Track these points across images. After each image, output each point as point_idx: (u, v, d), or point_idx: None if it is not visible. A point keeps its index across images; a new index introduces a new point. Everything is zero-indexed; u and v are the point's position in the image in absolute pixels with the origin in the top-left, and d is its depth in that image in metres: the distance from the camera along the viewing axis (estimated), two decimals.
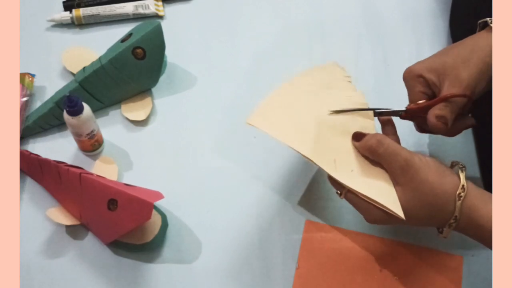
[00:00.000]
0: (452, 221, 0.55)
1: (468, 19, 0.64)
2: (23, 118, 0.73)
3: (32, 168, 0.71)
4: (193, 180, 0.72)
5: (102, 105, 0.76)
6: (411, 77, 0.61)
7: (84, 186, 0.65)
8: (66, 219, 0.66)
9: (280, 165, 0.73)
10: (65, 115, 0.66)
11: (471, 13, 0.63)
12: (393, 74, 0.78)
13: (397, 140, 0.61)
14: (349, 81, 0.70)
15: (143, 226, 0.66)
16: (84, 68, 0.75)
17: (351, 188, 0.57)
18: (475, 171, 0.73)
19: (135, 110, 0.76)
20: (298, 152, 0.57)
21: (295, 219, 0.70)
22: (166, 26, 0.75)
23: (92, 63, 0.75)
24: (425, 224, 0.58)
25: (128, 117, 0.75)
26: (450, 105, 0.58)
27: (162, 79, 0.78)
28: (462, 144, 0.75)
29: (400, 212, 0.55)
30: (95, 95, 0.74)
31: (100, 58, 0.75)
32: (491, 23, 0.59)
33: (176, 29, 0.82)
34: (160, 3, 0.84)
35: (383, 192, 0.56)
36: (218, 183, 0.72)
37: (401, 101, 0.62)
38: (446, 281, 0.66)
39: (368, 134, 0.59)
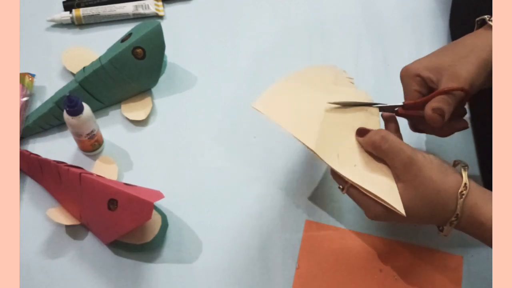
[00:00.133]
0: (453, 219, 0.55)
1: (468, 19, 0.64)
2: (23, 118, 0.73)
3: (32, 168, 0.71)
4: (193, 180, 0.72)
5: (102, 105, 0.76)
6: (408, 76, 0.61)
7: (84, 186, 0.65)
8: (66, 219, 0.66)
9: (280, 165, 0.73)
10: (65, 115, 0.66)
11: (471, 13, 0.63)
12: (393, 74, 0.77)
13: (400, 138, 0.61)
14: (352, 82, 0.70)
15: (143, 226, 0.66)
16: (84, 68, 0.75)
17: (353, 182, 0.57)
18: (475, 171, 0.73)
19: (135, 110, 0.76)
20: (302, 143, 0.57)
21: (295, 219, 0.70)
22: (166, 26, 0.75)
23: (92, 63, 0.75)
24: (426, 222, 0.58)
25: (128, 117, 0.75)
26: (448, 98, 0.57)
27: (162, 79, 0.78)
28: (462, 144, 0.75)
29: (401, 209, 0.55)
30: (95, 95, 0.74)
31: (100, 58, 0.75)
32: (489, 20, 0.59)
33: (176, 29, 0.82)
34: (160, 3, 0.85)
35: (385, 188, 0.57)
36: (218, 183, 0.72)
37: (401, 101, 0.62)
38: (446, 281, 0.66)
39: (372, 130, 0.59)
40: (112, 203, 0.63)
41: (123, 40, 0.75)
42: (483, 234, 0.55)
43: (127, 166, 0.73)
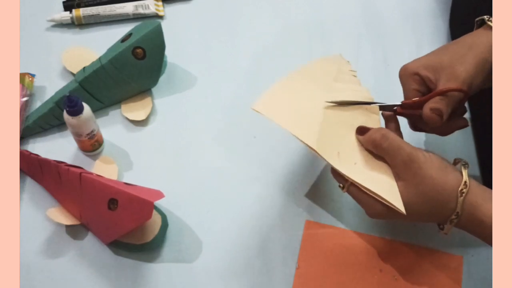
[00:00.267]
0: (453, 217, 0.55)
1: (468, 19, 0.64)
2: (23, 118, 0.73)
3: (32, 168, 0.71)
4: (193, 180, 0.72)
5: (102, 105, 0.76)
6: (407, 75, 0.61)
7: (84, 186, 0.65)
8: (66, 219, 0.66)
9: (280, 165, 0.73)
10: (65, 115, 0.66)
11: (471, 13, 0.63)
12: (393, 74, 0.77)
13: (400, 136, 0.61)
14: (354, 75, 0.70)
15: (143, 226, 0.66)
16: (84, 68, 0.75)
17: (353, 181, 0.57)
18: (475, 171, 0.73)
19: (135, 110, 0.76)
20: (303, 142, 0.57)
21: (295, 219, 0.70)
22: (166, 26, 0.75)
23: (92, 63, 0.75)
24: (426, 220, 0.58)
25: (128, 117, 0.75)
26: (446, 98, 0.58)
27: (162, 79, 0.78)
28: (462, 143, 0.75)
29: (401, 207, 0.55)
30: (95, 95, 0.74)
31: (100, 58, 0.75)
32: (489, 20, 0.60)
33: (176, 29, 0.82)
34: (160, 3, 0.85)
35: (385, 186, 0.57)
36: (218, 183, 0.72)
37: (400, 101, 0.62)
38: (446, 281, 0.66)
39: (373, 128, 0.59)
40: (112, 203, 0.63)
41: (123, 40, 0.75)
42: (483, 232, 0.55)
43: (127, 166, 0.73)
